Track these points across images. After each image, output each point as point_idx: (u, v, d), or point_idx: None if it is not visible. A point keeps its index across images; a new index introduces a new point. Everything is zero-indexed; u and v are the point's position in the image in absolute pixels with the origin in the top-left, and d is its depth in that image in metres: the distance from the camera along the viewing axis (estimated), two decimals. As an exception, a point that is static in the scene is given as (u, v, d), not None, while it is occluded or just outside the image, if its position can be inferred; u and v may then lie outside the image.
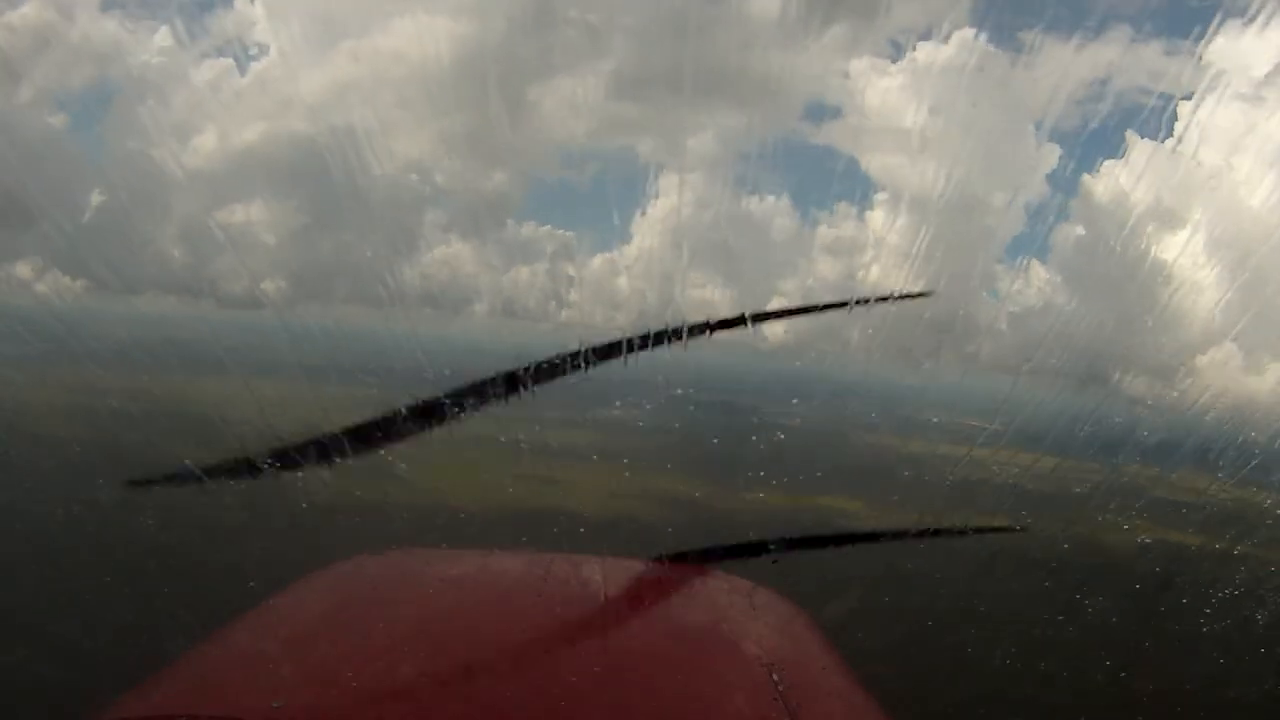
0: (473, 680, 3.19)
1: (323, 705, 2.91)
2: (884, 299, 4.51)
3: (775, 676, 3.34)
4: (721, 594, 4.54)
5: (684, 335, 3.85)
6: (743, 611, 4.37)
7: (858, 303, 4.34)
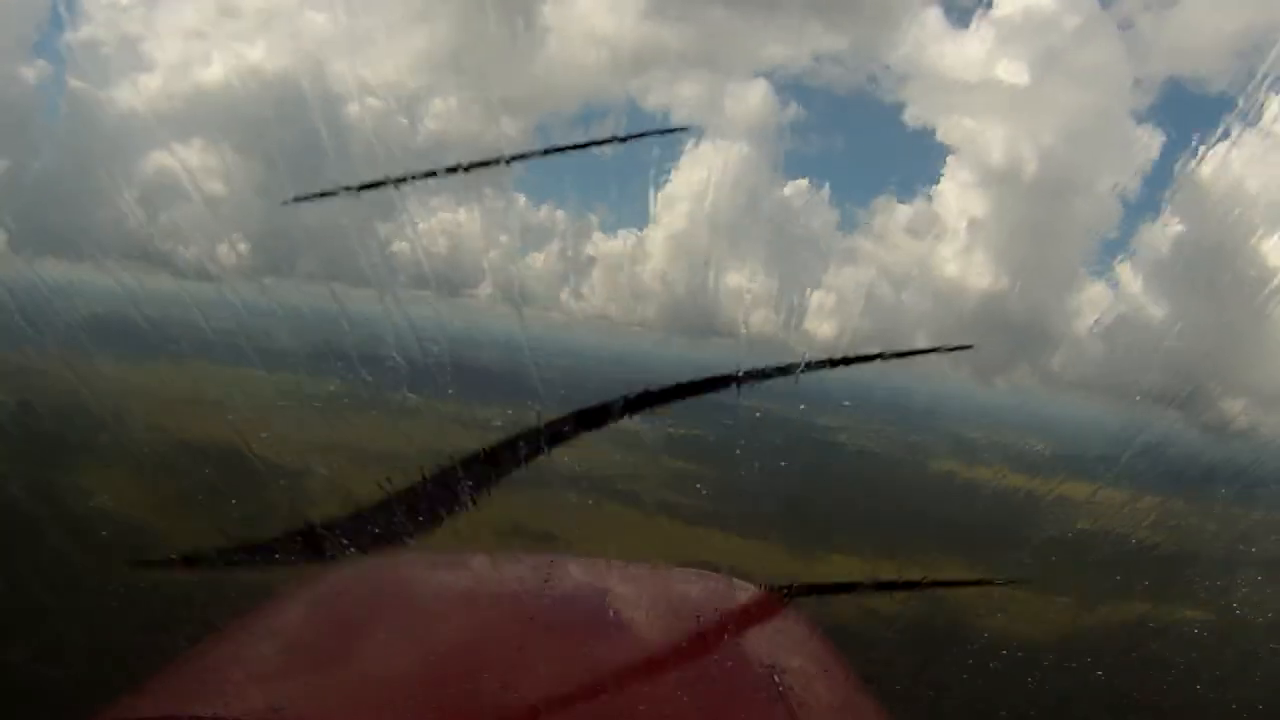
0: (473, 681, 3.48)
1: (323, 706, 3.20)
2: (921, 352, 5.19)
3: (777, 677, 3.79)
4: (723, 596, 5.05)
5: (736, 383, 4.58)
6: (745, 613, 4.91)
7: (894, 355, 4.99)
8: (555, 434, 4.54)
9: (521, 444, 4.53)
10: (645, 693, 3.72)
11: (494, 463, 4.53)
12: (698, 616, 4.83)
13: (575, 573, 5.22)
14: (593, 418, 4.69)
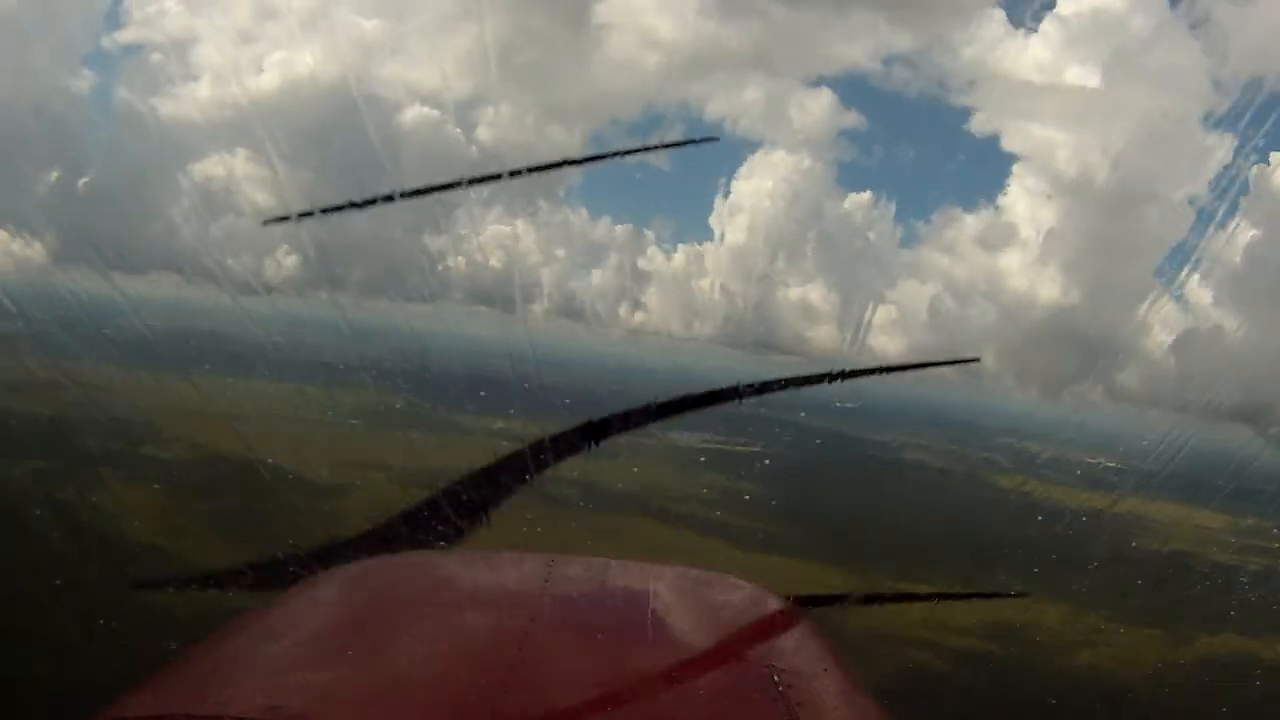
0: (474, 680, 3.48)
1: (323, 706, 3.21)
2: (929, 365, 5.43)
3: (776, 677, 3.75)
4: (724, 595, 5.09)
5: (752, 392, 4.82)
6: (745, 613, 5.01)
7: (900, 368, 5.20)
8: (563, 446, 4.72)
9: (529, 456, 4.73)
10: (645, 691, 3.75)
11: (501, 476, 4.71)
12: (698, 616, 4.89)
13: (576, 572, 5.11)
14: (599, 430, 4.88)
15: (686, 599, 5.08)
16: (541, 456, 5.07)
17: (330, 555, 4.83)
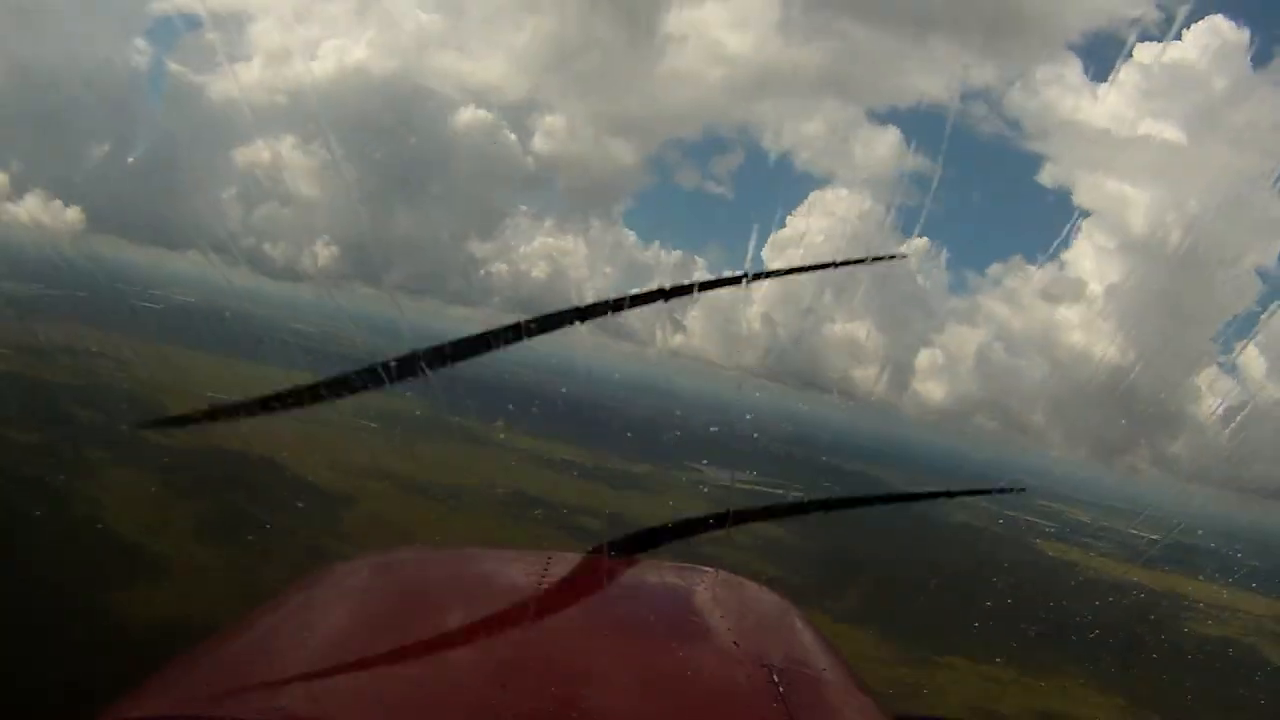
0: (474, 679, 3.59)
1: (324, 705, 3.29)
2: (860, 261, 5.42)
3: (775, 677, 3.83)
4: (723, 594, 5.18)
5: (665, 297, 4.60)
6: (742, 611, 5.08)
7: (837, 264, 5.23)
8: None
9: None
10: (644, 691, 3.81)
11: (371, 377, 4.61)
12: (697, 614, 4.96)
13: (575, 570, 5.12)
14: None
15: (685, 597, 5.20)
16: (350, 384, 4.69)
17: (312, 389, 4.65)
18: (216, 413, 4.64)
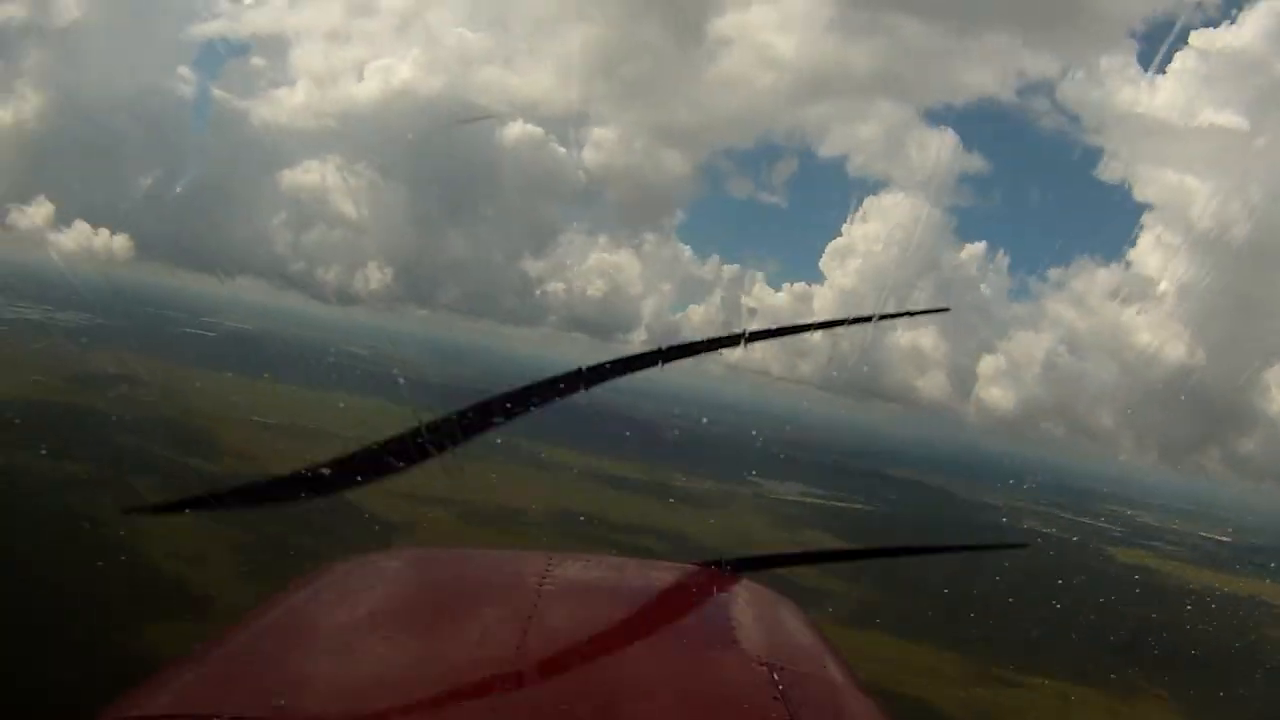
0: (474, 679, 3.62)
1: (324, 704, 3.39)
2: (901, 315, 5.56)
3: (776, 676, 3.89)
4: (723, 594, 5.14)
5: (659, 360, 4.61)
6: (744, 612, 5.03)
7: (880, 318, 5.18)
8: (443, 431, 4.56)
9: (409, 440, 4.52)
10: (644, 690, 3.80)
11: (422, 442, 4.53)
12: (698, 614, 4.99)
13: (576, 570, 5.20)
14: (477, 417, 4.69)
15: (686, 597, 5.17)
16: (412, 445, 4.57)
17: (297, 479, 4.44)
18: (215, 499, 4.64)
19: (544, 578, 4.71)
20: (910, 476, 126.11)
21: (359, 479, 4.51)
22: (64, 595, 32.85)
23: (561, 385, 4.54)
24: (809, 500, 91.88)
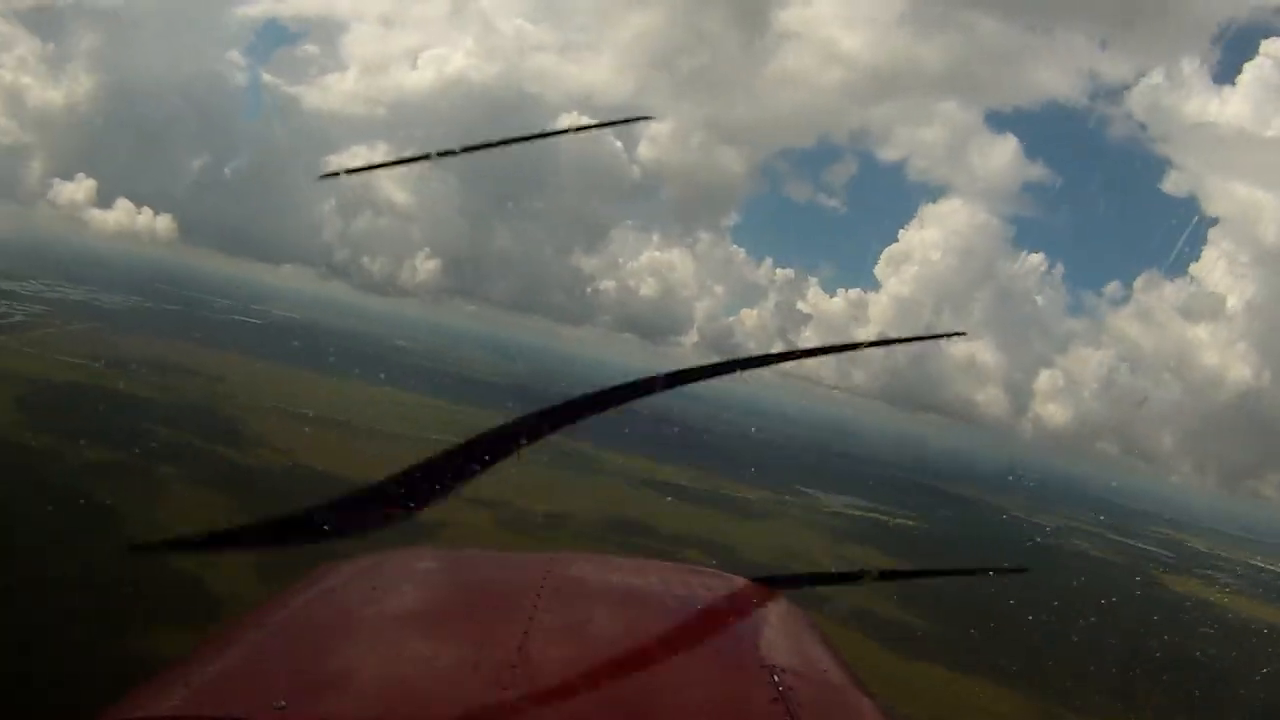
0: (474, 679, 3.54)
1: (325, 705, 3.33)
2: (915, 339, 5.97)
3: (777, 678, 3.83)
4: (724, 595, 5.16)
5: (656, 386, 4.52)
6: (744, 612, 5.01)
7: (890, 342, 5.72)
8: (519, 433, 4.29)
9: (494, 440, 4.26)
10: (644, 690, 3.72)
11: (473, 456, 4.28)
12: (698, 615, 4.81)
13: (576, 570, 4.98)
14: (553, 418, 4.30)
15: (686, 598, 5.00)
16: (473, 457, 4.23)
17: (304, 520, 4.10)
18: (224, 538, 4.59)
19: (545, 579, 4.60)
20: (961, 491, 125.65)
21: (402, 505, 4.18)
22: (70, 590, 32.07)
23: (599, 402, 4.40)
24: (859, 514, 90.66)
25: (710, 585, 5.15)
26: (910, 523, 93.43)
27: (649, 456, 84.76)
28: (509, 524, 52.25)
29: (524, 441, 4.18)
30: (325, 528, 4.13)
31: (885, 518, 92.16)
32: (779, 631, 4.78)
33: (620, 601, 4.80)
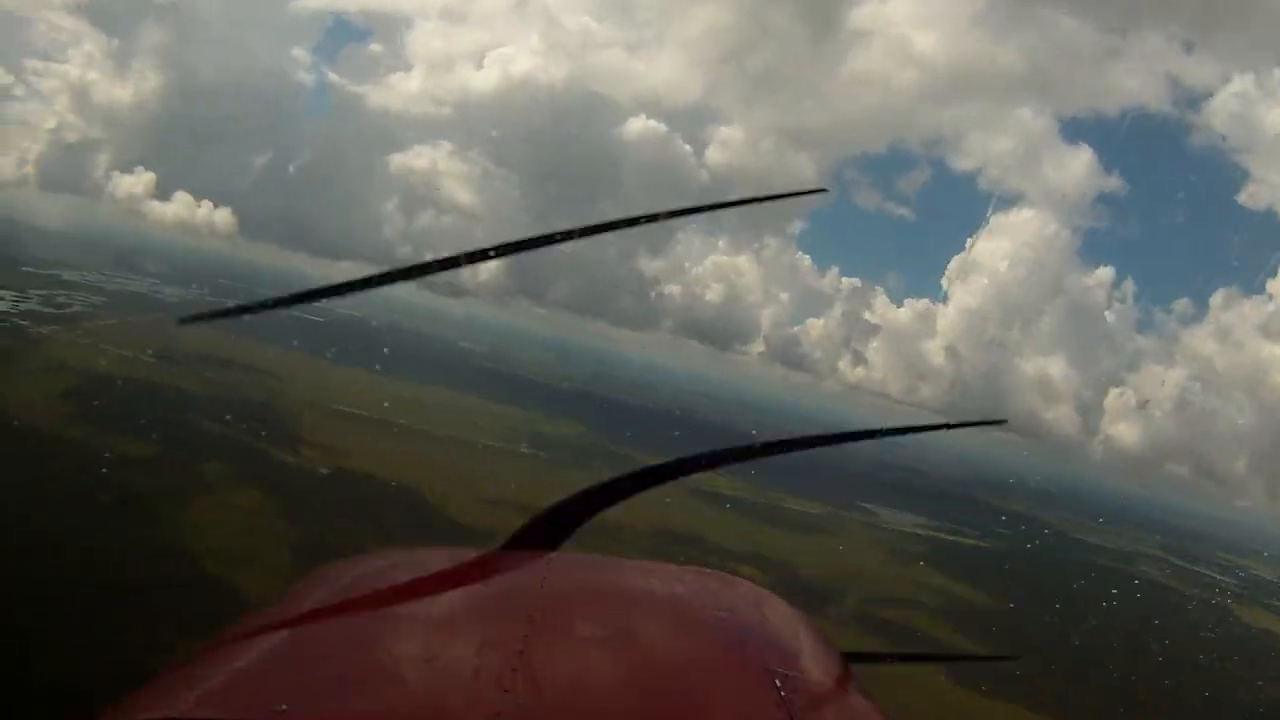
0: (474, 680, 3.46)
1: (325, 707, 3.21)
2: (957, 425, 5.78)
3: (777, 680, 3.77)
4: (723, 596, 5.01)
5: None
6: (745, 614, 4.89)
7: (886, 433, 5.54)
8: (645, 480, 4.68)
9: (597, 495, 4.67)
10: (644, 691, 3.61)
11: (570, 512, 4.71)
12: (698, 616, 4.66)
13: (576, 570, 4.80)
14: (665, 472, 4.84)
15: (686, 598, 4.86)
16: (605, 495, 4.67)
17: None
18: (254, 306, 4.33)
19: (545, 578, 4.47)
20: (1025, 510, 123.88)
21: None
22: (79, 591, 31.43)
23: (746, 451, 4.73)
24: (921, 532, 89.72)
25: (712, 586, 5.07)
26: (972, 542, 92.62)
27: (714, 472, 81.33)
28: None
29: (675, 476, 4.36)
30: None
31: (947, 536, 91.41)
32: (781, 634, 4.75)
33: (621, 602, 4.71)
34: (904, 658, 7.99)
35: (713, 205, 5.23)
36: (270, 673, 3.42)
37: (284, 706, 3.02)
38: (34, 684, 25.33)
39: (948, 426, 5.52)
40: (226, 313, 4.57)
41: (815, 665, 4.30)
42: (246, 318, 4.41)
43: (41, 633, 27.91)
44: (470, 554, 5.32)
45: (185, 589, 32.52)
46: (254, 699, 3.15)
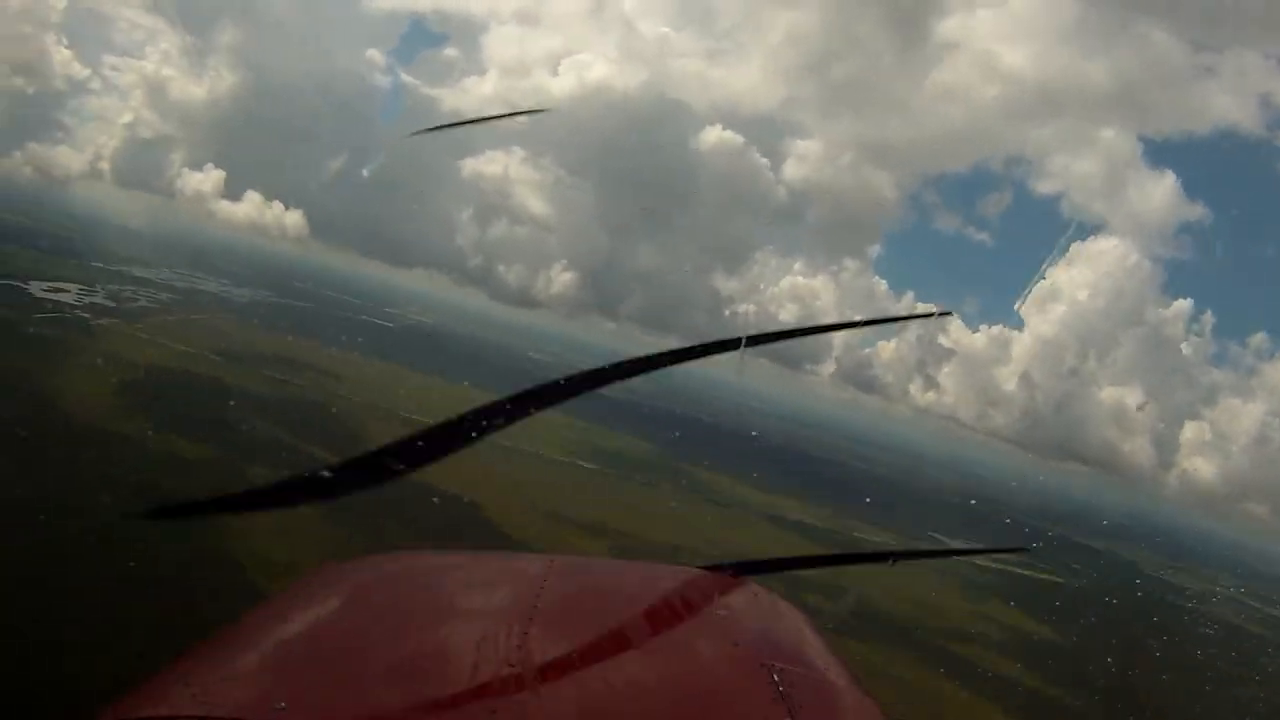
0: (473, 681, 3.58)
1: (325, 705, 3.38)
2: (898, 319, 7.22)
3: (776, 677, 3.90)
4: (724, 596, 5.11)
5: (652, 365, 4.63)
6: (745, 614, 5.06)
7: (869, 323, 5.75)
8: (515, 409, 4.39)
9: (464, 424, 4.30)
10: (644, 691, 3.77)
11: (465, 428, 4.32)
12: (698, 616, 4.83)
13: (576, 572, 5.09)
14: (531, 400, 4.46)
15: (686, 598, 5.04)
16: (475, 425, 4.30)
17: (317, 479, 4.12)
18: (234, 501, 4.52)
19: (544, 580, 4.60)
20: (1100, 546, 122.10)
21: (395, 470, 4.13)
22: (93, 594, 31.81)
23: (571, 384, 4.41)
24: (993, 565, 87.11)
25: (710, 586, 5.11)
26: (1045, 577, 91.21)
27: (783, 492, 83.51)
28: (615, 549, 50.38)
29: (504, 420, 4.12)
30: (326, 489, 4.06)
31: (1021, 570, 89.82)
32: (778, 631, 4.79)
33: (620, 603, 4.75)
34: (909, 555, 8.60)
35: (830, 326, 5.28)
36: (270, 671, 3.53)
37: (283, 705, 3.11)
38: (41, 683, 25.40)
39: (894, 320, 5.86)
40: (203, 507, 4.94)
41: (814, 662, 4.38)
42: (226, 514, 4.73)
43: (53, 631, 28.35)
44: (470, 556, 5.59)
45: (222, 591, 31.70)
46: (254, 697, 3.25)
